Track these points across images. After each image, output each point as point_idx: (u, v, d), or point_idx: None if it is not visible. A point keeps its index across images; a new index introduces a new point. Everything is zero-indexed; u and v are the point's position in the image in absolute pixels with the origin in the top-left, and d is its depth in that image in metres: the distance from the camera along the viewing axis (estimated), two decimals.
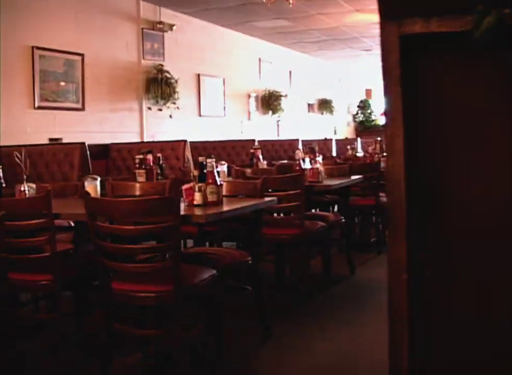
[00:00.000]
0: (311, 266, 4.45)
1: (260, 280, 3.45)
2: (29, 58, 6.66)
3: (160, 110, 8.60)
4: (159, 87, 8.35)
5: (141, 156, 4.60)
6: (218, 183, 3.09)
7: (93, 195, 3.25)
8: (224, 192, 3.29)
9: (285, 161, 7.87)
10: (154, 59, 8.55)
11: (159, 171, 4.76)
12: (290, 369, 3.14)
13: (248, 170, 5.03)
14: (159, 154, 4.93)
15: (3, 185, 3.69)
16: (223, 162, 4.81)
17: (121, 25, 8.06)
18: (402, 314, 1.24)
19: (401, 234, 1.19)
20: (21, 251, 3.11)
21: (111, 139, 7.55)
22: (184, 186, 3.06)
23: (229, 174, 5.06)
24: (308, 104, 13.86)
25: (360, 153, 9.62)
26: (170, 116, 8.72)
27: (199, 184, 3.02)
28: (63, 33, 7.12)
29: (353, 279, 4.87)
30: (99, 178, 3.76)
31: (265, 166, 6.17)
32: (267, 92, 11.33)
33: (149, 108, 8.47)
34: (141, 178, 4.46)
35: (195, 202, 3.00)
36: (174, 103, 8.61)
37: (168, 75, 8.48)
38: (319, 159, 4.82)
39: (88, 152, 6.15)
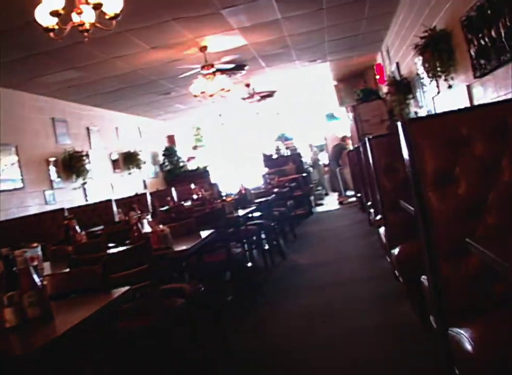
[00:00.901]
0: None
1: None
2: None
3: None
4: None
5: None
6: (38, 284, 1.97)
7: None
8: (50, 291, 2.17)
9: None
10: None
11: None
12: None
13: (69, 248, 3.88)
14: None
15: None
16: (34, 245, 3.63)
17: None
18: None
19: None
20: None
21: None
22: None
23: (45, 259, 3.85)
24: (113, 161, 12.73)
25: (187, 203, 8.83)
26: None
27: (9, 294, 1.88)
28: None
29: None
30: None
31: (84, 238, 5.03)
32: (66, 154, 9.99)
33: None
34: None
35: (7, 325, 1.85)
36: None
37: None
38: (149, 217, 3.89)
39: None
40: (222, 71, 9.00)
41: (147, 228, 3.82)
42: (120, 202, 9.44)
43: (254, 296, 5.56)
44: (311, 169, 16.30)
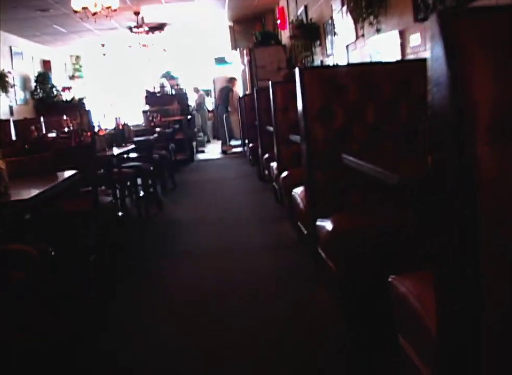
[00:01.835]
0: None
1: None
2: None
3: None
4: None
5: None
6: None
7: None
8: None
9: None
10: None
11: None
12: None
13: None
14: None
15: None
16: None
17: None
18: None
19: None
20: None
21: None
22: None
23: None
24: None
25: (53, 134, 7.70)
26: None
27: None
28: None
29: None
30: None
31: None
32: None
33: None
34: None
35: None
36: None
37: None
38: None
39: None
40: None
41: None
42: None
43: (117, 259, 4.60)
44: (195, 112, 15.41)
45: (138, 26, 11.95)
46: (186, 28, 14.72)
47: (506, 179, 1.15)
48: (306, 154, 3.07)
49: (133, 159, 6.32)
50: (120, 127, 5.67)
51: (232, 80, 14.21)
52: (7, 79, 11.76)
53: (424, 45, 4.46)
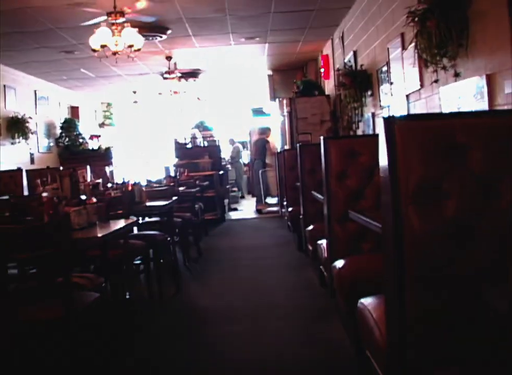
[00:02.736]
0: None
1: None
2: None
3: None
4: None
5: None
6: None
7: None
8: None
9: None
10: None
11: None
12: None
13: None
14: None
15: None
16: None
17: None
18: None
19: None
20: None
21: None
22: None
23: None
24: None
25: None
26: None
27: None
28: None
29: None
30: None
31: None
32: None
33: None
34: None
35: None
36: None
37: None
38: None
39: None
40: (135, 25, 6.87)
41: None
42: None
43: None
44: (229, 166, 14.33)
45: (170, 71, 11.02)
46: (222, 76, 13.81)
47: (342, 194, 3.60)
48: (327, 210, 3.70)
49: (151, 223, 5.17)
50: (130, 188, 4.48)
51: (265, 131, 13.14)
52: (27, 124, 10.88)
53: None
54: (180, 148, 10.73)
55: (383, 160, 1.91)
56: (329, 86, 10.87)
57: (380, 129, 1.92)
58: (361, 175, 3.56)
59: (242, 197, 15.62)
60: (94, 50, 6.63)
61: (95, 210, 3.30)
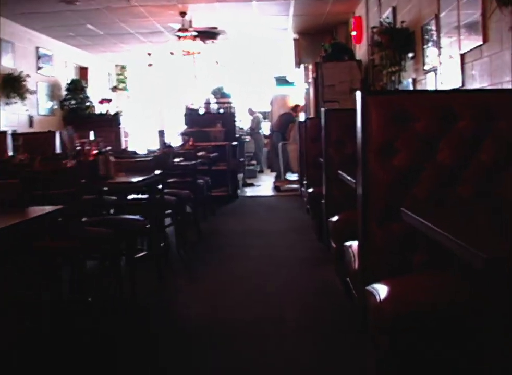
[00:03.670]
0: None
1: None
2: None
3: None
4: None
5: None
6: None
7: None
8: None
9: None
10: None
11: None
12: None
13: None
14: None
15: None
16: None
17: None
18: None
19: None
20: None
21: None
22: None
23: None
24: None
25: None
26: None
27: None
28: None
29: None
30: None
31: None
32: None
33: None
34: None
35: None
36: None
37: None
38: None
39: None
40: None
41: None
42: None
43: None
44: (248, 138, 13.18)
45: (184, 29, 9.86)
46: (242, 39, 12.61)
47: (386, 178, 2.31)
48: (362, 201, 2.41)
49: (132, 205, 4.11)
50: (90, 157, 3.35)
51: (296, 108, 11.94)
52: (24, 83, 9.85)
53: None
54: (190, 114, 9.57)
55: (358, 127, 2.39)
56: (360, 51, 9.67)
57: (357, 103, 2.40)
58: (415, 150, 2.30)
59: (261, 171, 14.49)
60: None
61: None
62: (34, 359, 2.59)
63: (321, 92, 9.02)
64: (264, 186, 11.52)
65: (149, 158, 3.83)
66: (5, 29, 9.80)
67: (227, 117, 9.72)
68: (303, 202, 7.45)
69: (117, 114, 12.57)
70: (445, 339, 1.88)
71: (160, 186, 4.04)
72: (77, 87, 12.31)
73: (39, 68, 11.17)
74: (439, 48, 5.30)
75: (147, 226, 3.57)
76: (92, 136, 9.47)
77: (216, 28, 10.38)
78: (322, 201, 4.46)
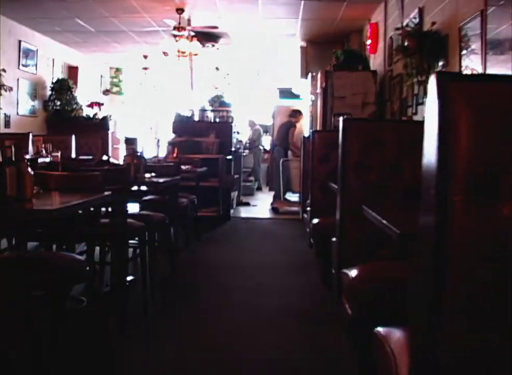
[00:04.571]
0: None
1: None
2: None
3: None
4: None
5: None
6: None
7: None
8: None
9: None
10: None
11: None
12: None
13: None
14: None
15: None
16: None
17: None
18: None
19: None
20: None
21: None
22: None
23: None
24: None
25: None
26: None
27: None
28: None
29: None
30: None
31: None
32: None
33: None
34: None
35: None
36: None
37: None
38: None
39: None
40: None
41: None
42: None
43: None
44: (246, 152, 12.13)
45: (180, 27, 8.83)
46: (245, 44, 11.59)
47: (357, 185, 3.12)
48: (340, 206, 3.22)
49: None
50: None
51: (296, 114, 10.86)
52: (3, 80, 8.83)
53: None
54: (180, 122, 8.46)
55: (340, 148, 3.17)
56: (375, 61, 8.67)
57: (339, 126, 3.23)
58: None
59: (259, 188, 13.42)
60: None
61: None
62: None
63: (330, 105, 7.98)
64: (261, 206, 10.42)
65: (97, 172, 2.77)
66: None
67: (224, 127, 8.62)
68: (304, 230, 6.39)
69: (105, 119, 11.51)
70: (395, 305, 2.14)
71: (109, 209, 2.99)
72: (63, 87, 11.27)
73: (21, 64, 10.16)
74: (484, 53, 4.26)
75: (85, 268, 2.48)
76: (73, 141, 8.48)
77: (216, 27, 9.34)
78: (334, 239, 3.38)
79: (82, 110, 11.63)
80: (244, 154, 11.66)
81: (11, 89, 9.19)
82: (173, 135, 8.27)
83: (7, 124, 9.67)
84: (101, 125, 11.40)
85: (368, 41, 8.85)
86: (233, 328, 3.58)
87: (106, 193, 2.56)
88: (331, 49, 9.68)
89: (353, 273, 2.59)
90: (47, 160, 4.87)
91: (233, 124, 9.00)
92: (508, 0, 3.84)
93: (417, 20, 5.99)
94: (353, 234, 3.14)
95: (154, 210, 4.46)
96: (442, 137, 1.24)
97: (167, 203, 4.69)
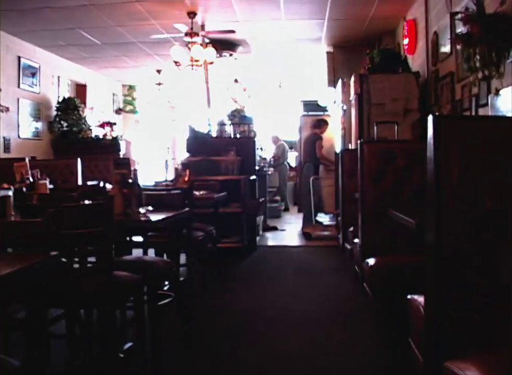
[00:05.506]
0: None
1: None
2: None
3: None
4: None
5: None
6: None
7: None
8: None
9: None
10: None
11: None
12: None
13: None
14: None
15: None
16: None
17: None
18: None
19: None
20: None
21: None
22: None
23: None
24: None
25: None
26: None
27: None
28: None
29: None
30: None
31: None
32: None
33: None
34: None
35: None
36: None
37: None
38: None
39: None
40: None
41: None
42: None
43: None
44: (270, 170, 11.06)
45: (192, 33, 7.83)
46: (265, 53, 10.58)
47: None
48: (361, 209, 3.94)
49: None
50: None
51: (320, 124, 9.76)
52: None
53: None
54: (195, 138, 7.35)
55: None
56: (415, 62, 7.60)
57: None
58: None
59: (286, 209, 12.33)
60: None
61: None
62: None
63: (367, 113, 6.91)
64: (290, 230, 9.30)
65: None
66: None
67: (245, 143, 7.52)
68: (344, 258, 5.28)
69: (115, 139, 10.55)
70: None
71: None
72: (68, 106, 10.33)
73: (21, 82, 9.26)
74: None
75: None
76: (79, 165, 7.54)
77: (233, 31, 8.34)
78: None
79: (90, 130, 10.68)
80: (269, 173, 10.58)
81: (7, 109, 8.27)
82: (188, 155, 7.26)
83: (7, 148, 8.75)
84: (111, 146, 10.45)
85: (405, 41, 7.80)
86: None
87: (51, 253, 1.53)
88: (360, 54, 8.61)
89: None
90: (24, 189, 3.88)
91: (256, 139, 7.91)
92: None
93: (473, 7, 4.89)
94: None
95: (159, 248, 3.40)
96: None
97: (178, 240, 3.64)
